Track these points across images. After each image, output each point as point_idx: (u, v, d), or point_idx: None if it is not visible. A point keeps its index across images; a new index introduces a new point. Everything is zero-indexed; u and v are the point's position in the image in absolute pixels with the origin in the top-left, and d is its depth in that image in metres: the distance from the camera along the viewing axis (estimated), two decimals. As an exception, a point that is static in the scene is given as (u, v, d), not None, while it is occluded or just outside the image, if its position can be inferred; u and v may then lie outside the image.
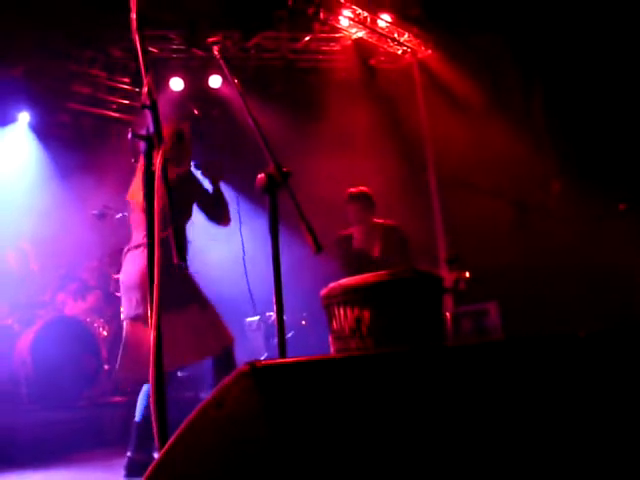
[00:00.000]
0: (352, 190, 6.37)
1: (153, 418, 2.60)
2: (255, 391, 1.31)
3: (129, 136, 2.76)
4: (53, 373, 6.90)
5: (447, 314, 8.02)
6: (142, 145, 2.75)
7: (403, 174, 8.87)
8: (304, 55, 9.98)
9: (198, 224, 5.03)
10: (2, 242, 7.76)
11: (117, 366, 4.62)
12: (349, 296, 3.36)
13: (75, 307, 7.98)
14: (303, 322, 8.48)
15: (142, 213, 4.54)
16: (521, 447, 2.30)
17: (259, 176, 3.42)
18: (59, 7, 8.11)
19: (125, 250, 4.78)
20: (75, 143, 9.70)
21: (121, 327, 7.70)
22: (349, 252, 6.25)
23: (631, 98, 7.85)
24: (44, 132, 9.49)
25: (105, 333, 7.85)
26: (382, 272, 3.37)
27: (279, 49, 9.85)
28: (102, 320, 7.93)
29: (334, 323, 3.44)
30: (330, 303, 3.47)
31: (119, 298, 7.92)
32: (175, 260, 2.65)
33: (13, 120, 9.30)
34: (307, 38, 9.68)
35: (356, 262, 6.09)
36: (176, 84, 9.79)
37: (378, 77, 9.78)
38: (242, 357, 4.70)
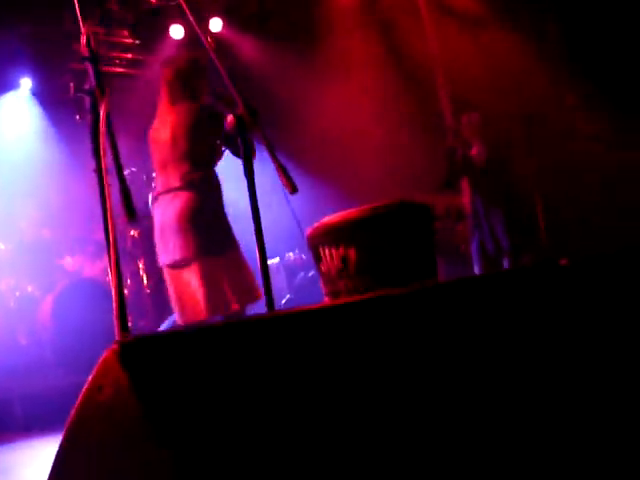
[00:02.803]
0: None
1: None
2: (124, 371, 1.18)
3: (71, 92, 2.63)
4: (76, 336, 6.90)
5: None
6: (86, 100, 2.61)
7: (413, 102, 8.63)
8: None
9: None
10: (12, 211, 7.73)
11: (176, 315, 4.59)
12: (333, 235, 3.22)
13: (93, 268, 7.94)
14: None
15: (170, 151, 4.52)
16: (514, 389, 2.20)
17: (228, 118, 3.27)
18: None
19: (154, 195, 4.71)
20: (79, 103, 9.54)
21: (140, 283, 7.82)
22: None
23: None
24: (47, 96, 9.32)
25: (126, 292, 7.81)
26: (364, 207, 3.22)
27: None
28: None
29: (322, 265, 3.31)
30: (315, 244, 3.34)
31: (137, 254, 7.98)
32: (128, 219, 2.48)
33: (15, 86, 9.16)
34: (304, -35, 9.35)
35: None
36: (176, 32, 9.55)
37: (381, 2, 9.41)
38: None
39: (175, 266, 4.49)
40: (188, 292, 4.42)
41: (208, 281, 4.33)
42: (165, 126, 4.58)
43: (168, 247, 4.45)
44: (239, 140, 3.15)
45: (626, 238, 6.27)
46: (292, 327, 1.68)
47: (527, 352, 2.25)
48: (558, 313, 2.28)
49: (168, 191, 4.49)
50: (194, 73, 4.60)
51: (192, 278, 4.38)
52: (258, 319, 1.62)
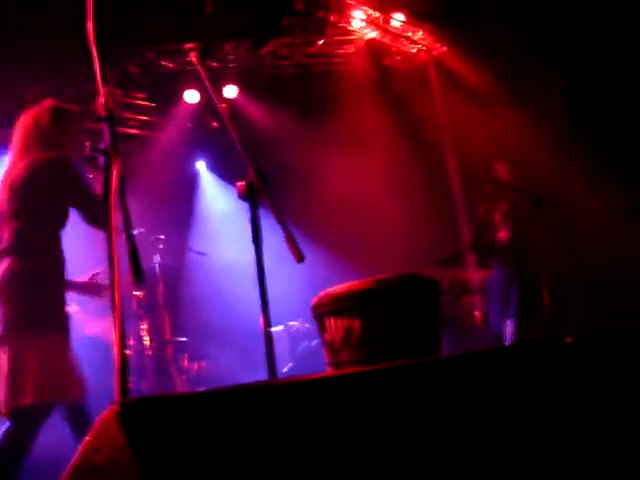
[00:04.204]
0: None
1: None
2: (123, 432, 1.16)
3: (86, 150, 2.66)
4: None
5: (477, 313, 7.91)
6: (100, 159, 2.64)
7: (423, 174, 8.74)
8: (318, 59, 9.83)
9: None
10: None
11: None
12: (338, 305, 3.21)
13: (97, 326, 7.88)
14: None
15: (7, 205, 3.95)
16: (517, 456, 2.19)
17: (239, 184, 3.30)
18: (69, 28, 8.06)
19: None
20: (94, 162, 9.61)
21: (142, 344, 7.76)
22: None
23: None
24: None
25: (129, 352, 7.75)
26: (370, 278, 3.21)
27: (293, 55, 9.72)
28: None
29: (326, 335, 3.29)
30: (321, 314, 3.32)
31: (141, 316, 7.94)
32: (135, 281, 2.40)
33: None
34: (320, 42, 9.52)
35: None
36: (191, 97, 9.70)
37: (393, 77, 9.60)
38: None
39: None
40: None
41: (15, 365, 3.74)
42: (7, 177, 4.03)
43: None
44: (250, 207, 3.14)
45: (631, 316, 6.29)
46: (293, 396, 1.67)
47: (527, 428, 2.24)
48: (561, 389, 2.27)
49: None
50: (54, 122, 4.03)
51: (3, 359, 3.76)
52: (260, 387, 1.61)
